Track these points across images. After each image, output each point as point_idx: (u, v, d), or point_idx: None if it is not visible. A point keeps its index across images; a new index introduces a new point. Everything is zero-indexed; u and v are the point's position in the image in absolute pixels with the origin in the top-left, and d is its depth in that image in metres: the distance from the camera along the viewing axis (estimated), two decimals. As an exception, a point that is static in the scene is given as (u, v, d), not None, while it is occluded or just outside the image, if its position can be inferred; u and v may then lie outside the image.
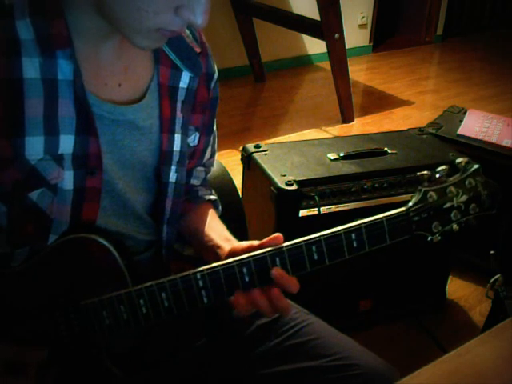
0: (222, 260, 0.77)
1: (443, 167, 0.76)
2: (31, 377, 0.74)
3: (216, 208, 1.00)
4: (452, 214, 0.75)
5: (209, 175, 1.05)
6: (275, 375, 0.86)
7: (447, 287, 1.87)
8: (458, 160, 0.77)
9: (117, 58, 0.77)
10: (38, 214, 0.74)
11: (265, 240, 0.74)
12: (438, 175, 0.75)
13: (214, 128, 0.99)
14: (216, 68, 0.93)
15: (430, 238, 0.76)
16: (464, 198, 0.75)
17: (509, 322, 0.81)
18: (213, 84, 0.92)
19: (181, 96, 0.85)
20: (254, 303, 0.73)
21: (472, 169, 0.76)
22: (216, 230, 0.90)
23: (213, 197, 1.01)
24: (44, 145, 0.70)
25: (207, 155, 1.00)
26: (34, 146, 0.70)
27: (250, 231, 1.26)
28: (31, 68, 0.68)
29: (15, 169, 0.70)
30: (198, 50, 0.85)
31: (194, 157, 0.96)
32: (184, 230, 0.95)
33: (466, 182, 0.75)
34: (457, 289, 1.94)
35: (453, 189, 0.75)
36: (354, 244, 0.73)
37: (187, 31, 0.85)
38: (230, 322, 0.93)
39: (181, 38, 0.82)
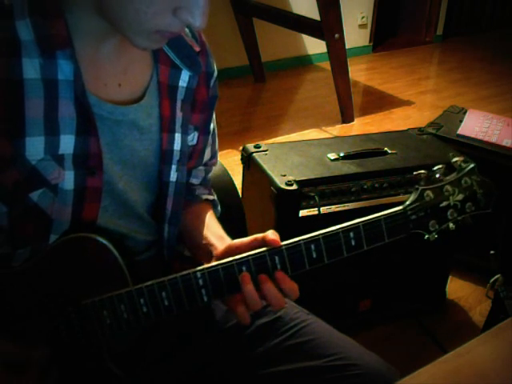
0: (215, 259, 0.78)
1: (439, 166, 0.76)
2: (33, 376, 0.74)
3: (214, 207, 1.00)
4: (448, 213, 0.76)
5: (209, 175, 1.05)
6: (275, 375, 0.86)
7: (447, 287, 1.87)
8: (454, 159, 0.77)
9: (117, 58, 0.77)
10: (39, 215, 0.74)
11: (260, 236, 0.74)
12: (434, 174, 0.76)
13: (212, 127, 0.98)
14: (215, 67, 0.93)
15: (427, 236, 0.76)
16: (460, 196, 0.76)
17: (509, 322, 0.81)
18: (212, 83, 0.92)
19: (180, 95, 0.85)
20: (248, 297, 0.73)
21: (468, 168, 0.76)
22: (210, 228, 0.90)
23: (211, 196, 1.01)
24: (44, 145, 0.70)
25: (207, 156, 1.00)
26: (35, 147, 0.70)
27: (249, 231, 1.26)
28: (31, 68, 0.68)
29: (16, 169, 0.70)
30: (197, 48, 0.85)
31: (193, 157, 0.96)
32: (180, 228, 0.95)
33: (462, 181, 0.76)
34: (457, 289, 1.94)
35: (449, 188, 0.75)
36: (353, 242, 0.73)
37: (186, 30, 0.85)
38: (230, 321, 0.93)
39: (180, 36, 0.82)
